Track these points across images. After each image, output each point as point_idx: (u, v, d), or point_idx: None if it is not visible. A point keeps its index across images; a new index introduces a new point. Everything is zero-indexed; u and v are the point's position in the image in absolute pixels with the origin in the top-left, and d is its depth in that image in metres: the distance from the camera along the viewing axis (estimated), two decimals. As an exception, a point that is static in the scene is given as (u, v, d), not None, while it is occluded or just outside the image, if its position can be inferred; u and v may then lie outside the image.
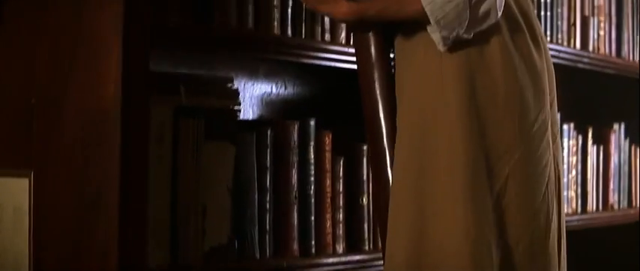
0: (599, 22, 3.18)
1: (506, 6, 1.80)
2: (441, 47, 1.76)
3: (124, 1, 1.74)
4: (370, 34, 1.86)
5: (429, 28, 1.76)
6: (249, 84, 2.37)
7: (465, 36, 1.75)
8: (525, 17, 1.86)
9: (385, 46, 1.89)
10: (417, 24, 1.79)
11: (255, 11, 2.02)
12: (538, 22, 1.91)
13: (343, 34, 2.21)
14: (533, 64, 1.84)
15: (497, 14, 1.76)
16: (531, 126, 1.82)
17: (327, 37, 2.18)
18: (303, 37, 2.13)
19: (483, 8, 1.74)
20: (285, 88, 2.48)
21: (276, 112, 2.43)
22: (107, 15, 1.76)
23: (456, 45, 1.77)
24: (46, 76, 1.83)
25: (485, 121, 1.78)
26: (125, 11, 1.74)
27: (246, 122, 2.20)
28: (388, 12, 1.79)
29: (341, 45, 2.20)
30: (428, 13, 1.72)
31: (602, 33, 3.19)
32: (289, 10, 2.10)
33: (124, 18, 1.74)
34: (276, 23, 2.06)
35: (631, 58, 3.35)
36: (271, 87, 2.44)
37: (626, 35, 3.32)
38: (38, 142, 1.83)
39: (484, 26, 1.76)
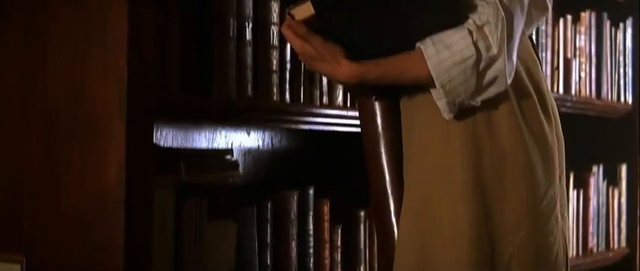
0: (580, 63, 3.19)
1: (517, 73, 1.77)
2: (446, 115, 1.73)
3: (127, 79, 1.69)
4: (375, 99, 1.83)
5: (433, 94, 1.72)
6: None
7: (471, 103, 1.72)
8: (536, 87, 1.83)
9: (392, 112, 1.86)
10: (421, 88, 1.76)
11: (254, 77, 1.98)
12: (550, 93, 1.89)
13: (340, 97, 2.18)
14: (543, 137, 1.82)
15: (505, 82, 1.71)
16: (540, 203, 1.79)
17: (325, 99, 2.14)
18: (302, 101, 2.09)
19: (490, 75, 1.69)
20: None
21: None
22: (109, 93, 1.70)
23: (462, 112, 1.74)
24: (39, 156, 1.77)
25: (491, 197, 1.74)
26: (129, 90, 1.69)
27: (246, 192, 2.14)
28: (390, 75, 1.73)
29: (338, 108, 2.17)
30: (434, 77, 1.67)
31: (583, 75, 3.21)
32: (287, 74, 2.06)
33: (128, 97, 1.69)
34: (275, 89, 2.02)
35: (609, 98, 3.37)
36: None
37: (605, 75, 3.34)
38: (31, 226, 1.76)
39: (491, 94, 1.71)
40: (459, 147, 1.74)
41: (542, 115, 1.82)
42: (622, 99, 3.44)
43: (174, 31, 1.84)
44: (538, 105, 1.82)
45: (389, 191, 1.84)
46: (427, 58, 1.67)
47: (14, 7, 1.84)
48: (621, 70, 3.43)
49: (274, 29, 2.02)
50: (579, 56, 3.19)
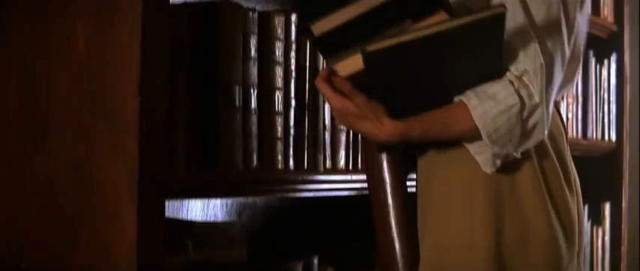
0: (568, 104, 3.21)
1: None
2: (488, 169, 1.71)
3: (139, 158, 1.66)
4: (384, 156, 1.83)
5: (472, 148, 1.71)
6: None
7: (514, 154, 1.70)
8: (559, 155, 1.83)
9: (402, 178, 1.85)
10: (444, 145, 1.75)
11: (259, 146, 1.96)
12: (573, 165, 1.88)
13: (343, 161, 2.16)
14: (567, 209, 1.81)
15: (544, 130, 1.71)
16: None
17: (328, 163, 2.13)
18: (306, 165, 2.07)
19: (531, 122, 1.68)
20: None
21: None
22: (118, 173, 1.67)
23: (490, 177, 1.73)
24: (42, 239, 1.73)
25: (513, 262, 1.74)
26: (140, 169, 1.66)
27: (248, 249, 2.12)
28: (433, 131, 1.70)
29: (341, 172, 2.15)
30: (479, 127, 1.66)
31: (570, 115, 3.22)
32: (291, 139, 2.04)
33: (140, 177, 1.66)
34: (279, 156, 2.00)
35: (594, 137, 3.39)
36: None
37: (591, 115, 3.36)
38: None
39: (531, 144, 1.71)
40: (481, 213, 1.73)
41: (565, 185, 1.82)
42: (606, 137, 3.46)
43: (181, 103, 1.81)
44: (562, 176, 1.81)
45: (399, 263, 1.84)
46: (471, 109, 1.66)
47: (12, 79, 1.80)
48: (606, 108, 3.45)
49: (279, 94, 2.00)
50: (567, 97, 3.20)
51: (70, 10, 1.74)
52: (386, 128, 1.67)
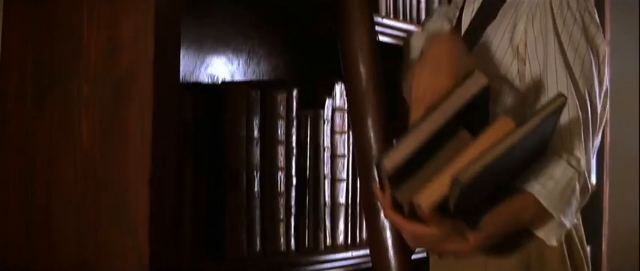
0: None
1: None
2: (554, 241, 1.76)
3: (149, 259, 1.65)
4: (389, 237, 1.84)
5: (538, 232, 1.75)
6: None
7: (574, 221, 1.78)
8: (581, 239, 1.90)
9: (407, 255, 1.88)
10: None
11: (262, 229, 1.95)
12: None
13: (342, 237, 2.17)
14: None
15: (588, 190, 1.78)
16: None
17: (328, 241, 2.13)
18: (307, 245, 2.07)
19: (586, 184, 1.76)
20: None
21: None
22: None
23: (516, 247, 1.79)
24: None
25: None
26: (151, 266, 1.65)
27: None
28: (507, 227, 1.74)
29: (341, 249, 2.16)
30: (550, 209, 1.70)
31: (554, 163, 3.25)
32: (292, 219, 2.04)
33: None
34: (282, 239, 2.00)
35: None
36: None
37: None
38: None
39: (582, 206, 1.78)
40: None
41: (586, 268, 1.90)
42: (587, 181, 3.49)
43: (188, 191, 1.80)
44: (583, 258, 1.89)
45: None
46: (536, 194, 1.70)
47: (10, 170, 1.78)
48: (588, 151, 3.49)
49: (281, 174, 1.99)
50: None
51: (72, 101, 1.72)
52: (472, 244, 1.69)
